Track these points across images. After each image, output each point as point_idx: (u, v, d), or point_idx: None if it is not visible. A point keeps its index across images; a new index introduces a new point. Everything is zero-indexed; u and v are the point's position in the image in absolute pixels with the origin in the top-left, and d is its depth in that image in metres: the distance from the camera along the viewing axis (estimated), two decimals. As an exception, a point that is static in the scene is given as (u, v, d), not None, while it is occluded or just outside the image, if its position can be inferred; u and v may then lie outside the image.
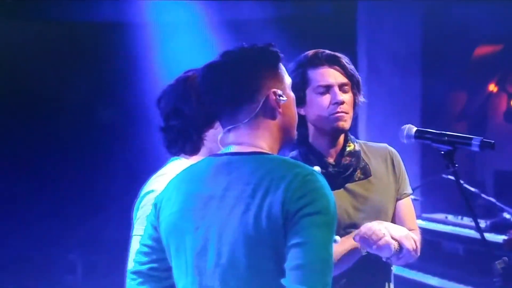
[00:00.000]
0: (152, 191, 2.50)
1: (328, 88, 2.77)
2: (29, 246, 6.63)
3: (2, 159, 6.68)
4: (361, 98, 2.87)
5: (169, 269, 2.22)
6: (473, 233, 4.85)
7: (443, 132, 2.64)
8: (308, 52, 2.84)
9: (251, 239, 1.99)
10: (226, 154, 2.15)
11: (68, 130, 6.89)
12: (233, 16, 6.07)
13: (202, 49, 5.79)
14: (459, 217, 5.08)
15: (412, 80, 6.84)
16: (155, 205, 2.24)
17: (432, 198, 5.00)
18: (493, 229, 4.74)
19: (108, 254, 6.74)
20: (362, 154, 2.87)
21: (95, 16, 6.36)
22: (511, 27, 7.01)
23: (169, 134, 2.60)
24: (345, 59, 2.83)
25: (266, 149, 2.13)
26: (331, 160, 2.81)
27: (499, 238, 4.59)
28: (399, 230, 2.71)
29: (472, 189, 4.80)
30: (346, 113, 2.77)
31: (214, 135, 2.49)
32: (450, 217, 5.11)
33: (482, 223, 4.78)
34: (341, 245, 2.58)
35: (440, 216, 5.13)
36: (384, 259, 2.72)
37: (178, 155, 2.63)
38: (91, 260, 7.01)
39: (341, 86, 2.78)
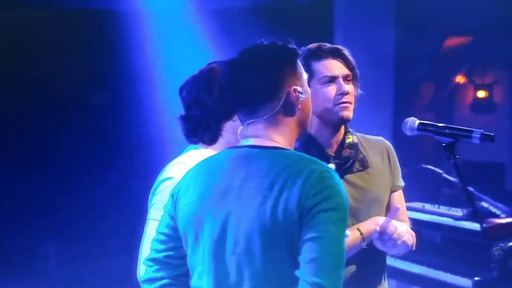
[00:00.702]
0: (170, 178, 2.57)
1: (333, 79, 2.84)
2: (2, 236, 6.58)
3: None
4: (359, 90, 2.95)
5: (184, 257, 2.29)
6: (450, 221, 4.98)
7: (445, 125, 2.72)
8: (311, 45, 2.91)
9: (267, 231, 2.06)
10: (245, 146, 2.21)
11: (40, 120, 6.84)
12: (215, 6, 6.10)
13: (190, 38, 5.83)
14: (436, 205, 5.20)
15: (386, 71, 6.95)
16: (172, 195, 2.31)
17: (409, 187, 5.13)
18: (470, 217, 4.87)
19: (83, 243, 6.74)
20: (360, 146, 2.95)
21: (85, 3, 6.33)
22: (480, 19, 7.15)
23: (190, 123, 2.68)
24: (347, 52, 2.91)
25: (284, 144, 2.21)
26: (331, 152, 2.89)
27: (477, 226, 4.73)
28: (403, 226, 2.81)
29: (452, 178, 4.92)
30: (350, 103, 2.85)
31: (233, 127, 2.57)
32: (428, 206, 5.23)
33: (459, 212, 4.91)
34: None
35: (418, 205, 5.24)
36: (389, 254, 2.84)
37: (196, 144, 2.69)
38: (66, 249, 6.97)
39: (344, 78, 2.85)
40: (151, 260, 2.35)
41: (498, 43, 8.17)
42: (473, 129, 2.68)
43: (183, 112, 2.72)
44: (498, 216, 4.74)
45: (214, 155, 2.33)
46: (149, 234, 2.52)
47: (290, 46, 2.26)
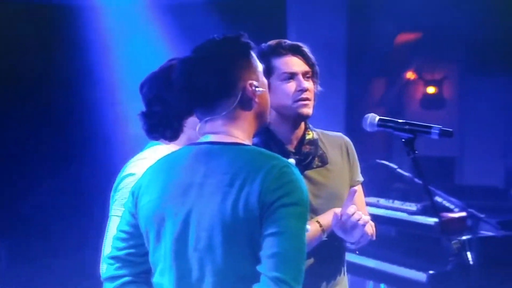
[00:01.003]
0: (132, 174, 2.55)
1: (292, 76, 2.84)
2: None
3: None
4: (318, 87, 2.96)
5: (145, 255, 2.27)
6: (404, 216, 5.01)
7: (404, 121, 2.75)
8: (271, 42, 2.91)
9: (228, 227, 2.06)
10: (206, 143, 2.20)
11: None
12: (170, 0, 6.09)
13: (145, 33, 5.82)
14: (390, 200, 5.23)
15: (338, 66, 6.99)
16: (132, 192, 2.29)
17: (364, 182, 5.21)
18: (424, 212, 4.92)
19: (33, 240, 6.66)
20: (319, 143, 2.96)
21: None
22: (430, 15, 7.26)
23: (151, 119, 2.68)
24: (306, 49, 2.91)
25: (243, 138, 2.21)
26: (291, 148, 2.89)
27: (431, 220, 4.79)
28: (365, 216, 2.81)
29: (405, 173, 4.97)
30: (310, 99, 2.85)
31: (194, 123, 2.55)
32: (382, 201, 5.26)
33: (413, 206, 4.96)
34: None
35: (373, 199, 5.26)
36: (348, 244, 2.84)
37: (157, 140, 2.68)
38: (16, 246, 6.89)
39: (304, 74, 2.86)
40: (112, 258, 2.33)
41: (447, 39, 8.30)
42: (432, 125, 2.72)
43: (143, 109, 2.71)
44: (451, 211, 4.79)
45: (174, 152, 2.32)
46: (111, 231, 2.51)
47: (243, 39, 2.25)
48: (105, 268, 2.37)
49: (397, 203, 5.15)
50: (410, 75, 9.01)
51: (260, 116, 2.26)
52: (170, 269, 2.17)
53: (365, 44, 7.26)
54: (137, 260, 2.30)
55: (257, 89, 2.20)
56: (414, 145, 2.74)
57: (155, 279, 2.24)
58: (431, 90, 9.17)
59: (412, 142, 2.74)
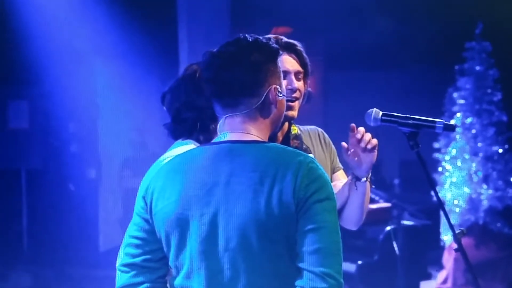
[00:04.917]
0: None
1: (284, 74, 2.81)
2: None
3: None
4: (308, 87, 2.95)
5: (161, 259, 2.23)
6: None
7: (408, 115, 2.78)
8: (267, 36, 2.86)
9: (263, 225, 2.06)
10: (225, 142, 2.19)
11: None
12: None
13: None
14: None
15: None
16: (143, 197, 2.23)
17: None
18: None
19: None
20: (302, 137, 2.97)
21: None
22: (302, 12, 7.44)
23: (183, 126, 2.60)
24: (301, 48, 2.89)
25: (261, 138, 2.20)
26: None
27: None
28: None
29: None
30: (297, 99, 2.83)
31: None
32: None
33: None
34: None
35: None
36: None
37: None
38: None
39: (296, 74, 2.84)
40: (127, 265, 2.25)
41: (315, 34, 8.53)
42: (436, 119, 2.76)
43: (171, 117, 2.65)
44: (376, 202, 4.94)
45: (186, 152, 2.27)
46: None
47: (273, 45, 2.24)
48: (120, 277, 2.26)
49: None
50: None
51: (275, 122, 2.26)
52: (199, 271, 2.13)
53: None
54: (153, 266, 2.24)
55: (279, 94, 2.20)
56: (417, 139, 2.78)
57: (179, 281, 2.18)
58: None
59: (416, 137, 2.77)
